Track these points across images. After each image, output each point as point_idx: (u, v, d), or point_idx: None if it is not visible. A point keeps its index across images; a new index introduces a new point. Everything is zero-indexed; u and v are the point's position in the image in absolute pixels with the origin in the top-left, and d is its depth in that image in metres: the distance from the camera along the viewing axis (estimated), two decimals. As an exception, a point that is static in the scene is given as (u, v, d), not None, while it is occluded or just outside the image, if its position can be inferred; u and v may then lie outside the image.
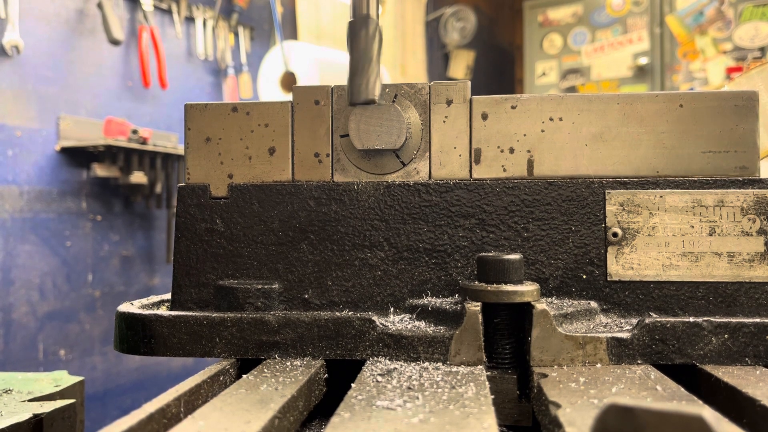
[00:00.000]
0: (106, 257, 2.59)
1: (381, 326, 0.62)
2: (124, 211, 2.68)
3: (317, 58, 3.10)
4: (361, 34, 0.66)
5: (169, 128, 2.85)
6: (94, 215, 2.55)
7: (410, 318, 0.66)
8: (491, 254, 0.62)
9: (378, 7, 0.67)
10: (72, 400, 0.69)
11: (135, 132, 2.47)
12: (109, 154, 2.46)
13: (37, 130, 2.34)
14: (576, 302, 0.66)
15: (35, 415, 0.63)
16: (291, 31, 3.56)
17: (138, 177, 2.50)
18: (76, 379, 0.78)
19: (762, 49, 3.76)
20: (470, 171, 0.70)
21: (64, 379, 0.78)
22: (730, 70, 3.77)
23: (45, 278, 2.36)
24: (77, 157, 2.47)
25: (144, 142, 2.49)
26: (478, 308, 0.59)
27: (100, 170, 2.46)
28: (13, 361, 2.23)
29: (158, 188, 2.63)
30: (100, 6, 2.50)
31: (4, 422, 0.60)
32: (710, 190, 0.66)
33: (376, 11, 0.67)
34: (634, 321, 0.63)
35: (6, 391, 0.72)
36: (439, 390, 0.51)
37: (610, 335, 0.59)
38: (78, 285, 2.47)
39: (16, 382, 0.76)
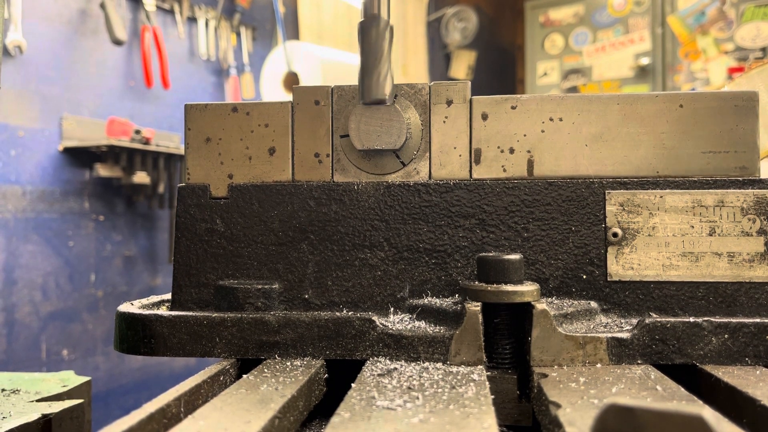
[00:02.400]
0: (109, 257, 2.60)
1: (381, 326, 0.62)
2: (127, 211, 2.68)
3: (320, 57, 3.10)
4: (372, 34, 0.66)
5: (172, 128, 2.85)
6: (96, 215, 2.55)
7: (410, 318, 0.66)
8: (491, 254, 0.62)
9: (389, 7, 0.67)
10: (80, 400, 0.69)
11: (138, 132, 2.47)
12: (111, 154, 2.46)
13: (40, 130, 2.34)
14: (576, 302, 0.66)
15: (44, 416, 0.63)
16: (293, 30, 3.56)
17: (141, 177, 2.51)
18: (83, 379, 0.78)
19: (764, 50, 3.75)
20: (470, 171, 0.70)
21: (72, 379, 0.78)
22: (732, 71, 3.76)
23: (48, 278, 2.36)
24: (80, 157, 2.47)
25: (147, 142, 2.49)
26: (478, 308, 0.59)
27: (102, 170, 2.46)
28: (16, 361, 2.23)
29: (161, 188, 2.63)
30: (102, 6, 2.51)
31: (14, 422, 0.60)
32: (710, 191, 0.66)
33: (387, 11, 0.67)
34: (634, 321, 0.63)
35: (14, 392, 0.72)
36: (440, 390, 0.51)
37: (610, 335, 0.59)
38: (81, 285, 2.48)
39: (24, 383, 0.77)
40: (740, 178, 0.67)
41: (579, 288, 0.68)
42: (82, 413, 0.69)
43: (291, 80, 3.12)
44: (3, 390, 0.73)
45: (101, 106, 2.56)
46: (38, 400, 0.69)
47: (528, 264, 0.68)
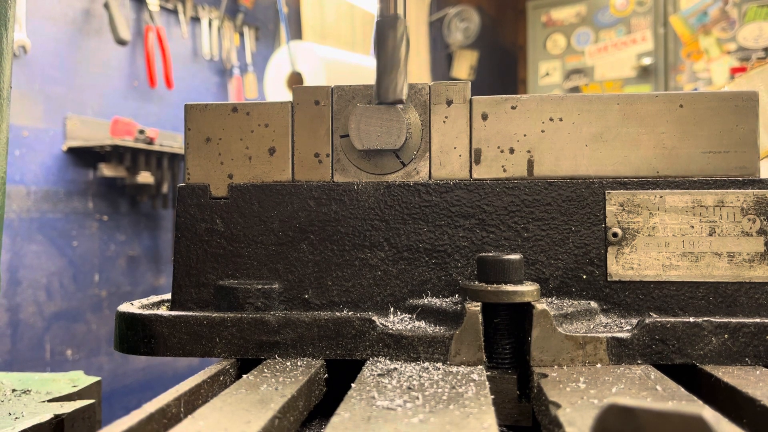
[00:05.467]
0: (113, 257, 2.60)
1: (381, 326, 0.62)
2: (131, 211, 2.69)
3: (324, 57, 3.10)
4: (388, 35, 0.66)
5: (175, 128, 2.86)
6: (100, 215, 2.56)
7: (410, 318, 0.66)
8: (491, 254, 0.62)
9: (405, 7, 0.67)
10: (92, 401, 0.70)
11: (142, 132, 2.48)
12: (115, 154, 2.47)
13: (44, 130, 2.35)
14: (576, 302, 0.66)
15: (56, 416, 0.63)
16: (295, 30, 3.57)
17: (144, 177, 2.51)
18: (93, 379, 0.78)
19: (766, 50, 3.73)
20: (470, 171, 0.70)
21: (82, 379, 0.78)
22: (734, 71, 3.75)
23: (52, 278, 2.37)
24: (84, 157, 2.48)
25: (150, 142, 2.50)
26: (478, 308, 0.59)
27: (106, 170, 2.47)
28: (20, 361, 2.24)
29: (164, 188, 2.64)
30: (106, 6, 2.51)
31: (26, 423, 0.60)
32: (710, 191, 0.66)
33: (404, 11, 0.67)
34: (634, 321, 0.63)
35: (25, 392, 0.72)
36: (439, 390, 0.51)
37: (610, 335, 0.59)
38: (85, 285, 2.48)
39: (34, 383, 0.77)
40: (740, 178, 0.67)
41: (579, 288, 0.68)
42: (93, 413, 0.69)
43: (295, 80, 3.12)
44: (14, 390, 0.73)
45: (105, 106, 2.57)
46: (50, 401, 0.69)
47: (528, 264, 0.68)
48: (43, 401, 0.69)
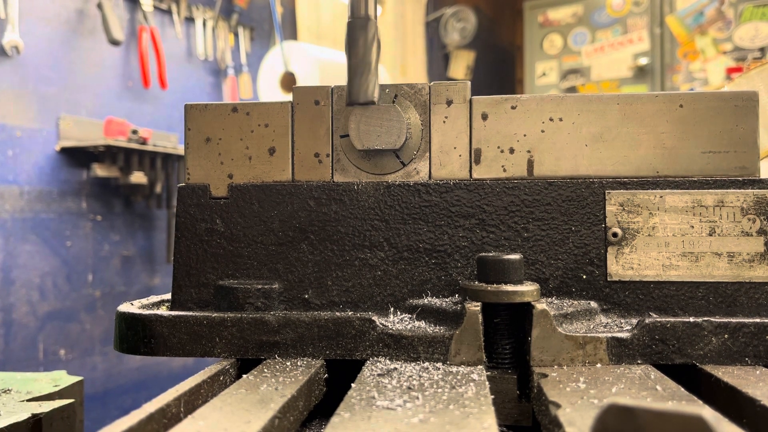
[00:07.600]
0: (107, 257, 2.60)
1: (381, 326, 0.62)
2: (125, 211, 2.68)
3: (317, 58, 3.10)
4: (359, 35, 0.66)
5: (169, 128, 2.85)
6: (94, 215, 2.55)
7: (410, 318, 0.66)
8: (491, 254, 0.62)
9: (376, 8, 0.67)
10: (71, 400, 0.69)
11: (135, 132, 2.47)
12: (109, 154, 2.46)
13: (38, 130, 2.34)
14: (576, 302, 0.66)
15: (34, 415, 0.63)
16: (291, 31, 3.56)
17: (138, 177, 2.50)
18: (75, 378, 0.78)
19: (762, 50, 3.75)
20: (470, 171, 0.70)
21: (63, 379, 0.78)
22: (731, 71, 3.76)
23: (45, 278, 2.36)
24: (77, 157, 2.47)
25: (144, 142, 2.49)
26: (478, 308, 0.59)
27: (100, 170, 2.46)
28: (14, 361, 2.23)
29: (158, 188, 2.63)
30: (100, 6, 2.50)
31: (3, 422, 0.60)
32: (710, 191, 0.67)
33: (374, 12, 0.67)
34: (634, 321, 0.63)
35: (5, 391, 0.72)
36: (439, 390, 0.51)
37: (610, 335, 0.59)
38: (78, 285, 2.47)
39: (15, 382, 0.76)
40: (740, 178, 0.67)
41: (579, 288, 0.68)
42: (73, 413, 0.69)
43: (288, 80, 3.12)
44: None
45: (98, 106, 2.56)
46: (29, 400, 0.69)
47: (528, 264, 0.68)
48: (23, 401, 0.68)
